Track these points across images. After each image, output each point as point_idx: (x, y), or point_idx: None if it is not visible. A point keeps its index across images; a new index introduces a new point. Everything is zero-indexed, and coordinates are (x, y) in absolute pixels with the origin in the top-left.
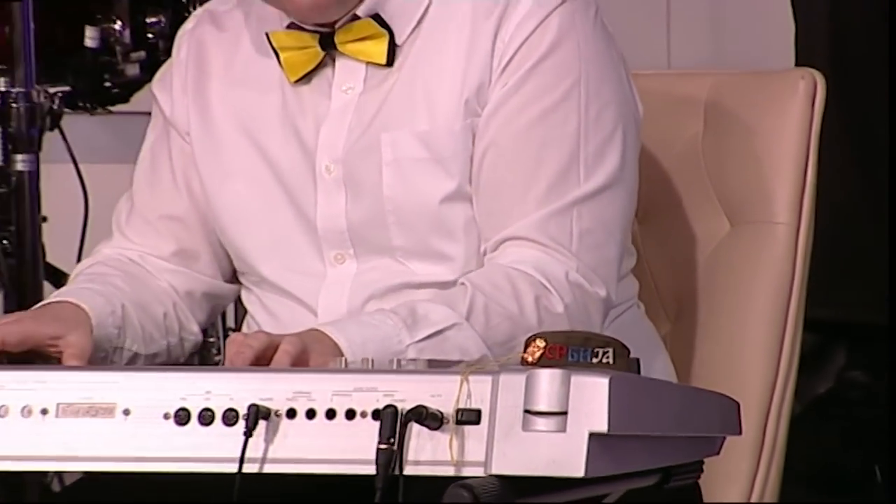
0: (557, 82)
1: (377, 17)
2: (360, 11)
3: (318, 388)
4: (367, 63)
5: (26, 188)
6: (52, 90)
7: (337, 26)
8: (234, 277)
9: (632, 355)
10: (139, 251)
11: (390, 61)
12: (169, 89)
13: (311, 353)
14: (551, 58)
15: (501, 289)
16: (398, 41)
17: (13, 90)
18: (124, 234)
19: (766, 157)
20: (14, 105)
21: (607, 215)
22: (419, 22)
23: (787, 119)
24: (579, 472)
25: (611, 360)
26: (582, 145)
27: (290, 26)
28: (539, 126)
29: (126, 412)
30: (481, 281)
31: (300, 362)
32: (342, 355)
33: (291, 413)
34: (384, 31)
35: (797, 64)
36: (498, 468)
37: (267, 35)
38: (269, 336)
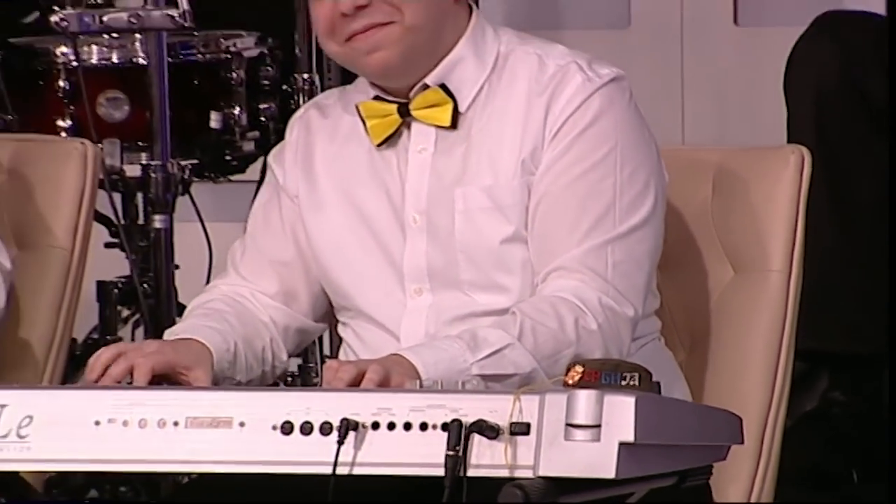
0: (597, 147)
1: (444, 87)
2: (429, 80)
3: (398, 404)
4: (436, 127)
5: (162, 242)
6: (183, 163)
7: (411, 96)
8: (322, 317)
9: (654, 379)
10: (250, 289)
11: (454, 124)
12: (282, 163)
13: (392, 375)
14: (593, 128)
15: (546, 313)
16: (461, 108)
17: (152, 163)
18: (238, 271)
19: (764, 217)
20: (153, 175)
21: (636, 252)
22: (478, 92)
23: (781, 186)
24: (610, 474)
25: (637, 383)
26: (617, 197)
27: (376, 98)
28: (582, 181)
29: (241, 424)
30: (529, 308)
31: (384, 383)
32: (418, 374)
33: (375, 425)
34: (449, 98)
35: (789, 141)
36: (544, 471)
37: (356, 106)
38: (358, 366)
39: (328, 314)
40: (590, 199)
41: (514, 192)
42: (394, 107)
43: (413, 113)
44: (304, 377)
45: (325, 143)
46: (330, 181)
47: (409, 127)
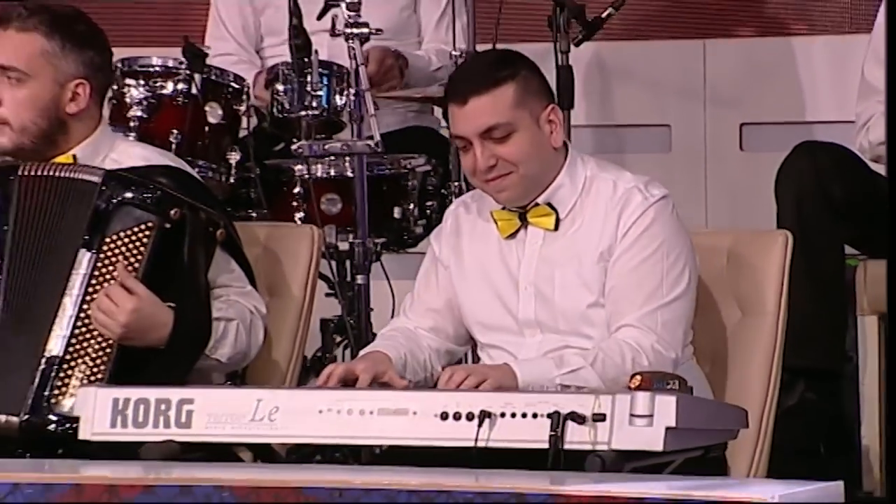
0: (650, 244)
1: (549, 204)
2: (540, 200)
3: (518, 400)
4: (544, 229)
5: (363, 293)
6: (376, 240)
7: (527, 209)
8: (464, 343)
9: (688, 384)
10: (414, 325)
11: (556, 227)
12: (439, 242)
13: (489, 377)
14: (647, 231)
15: (613, 350)
16: (561, 217)
17: (356, 241)
18: (407, 314)
19: (761, 278)
20: (356, 248)
21: (677, 313)
22: (573, 207)
23: (773, 258)
24: (659, 448)
25: (677, 387)
26: (664, 277)
27: (504, 208)
28: (641, 267)
29: (414, 413)
30: (604, 345)
31: (501, 387)
32: (517, 378)
33: (502, 414)
34: (553, 211)
35: (778, 227)
36: (615, 446)
37: (491, 213)
38: (466, 370)
39: (469, 340)
40: (646, 279)
41: (595, 274)
42: (516, 215)
43: (529, 220)
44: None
45: (469, 231)
46: (472, 258)
47: (525, 228)
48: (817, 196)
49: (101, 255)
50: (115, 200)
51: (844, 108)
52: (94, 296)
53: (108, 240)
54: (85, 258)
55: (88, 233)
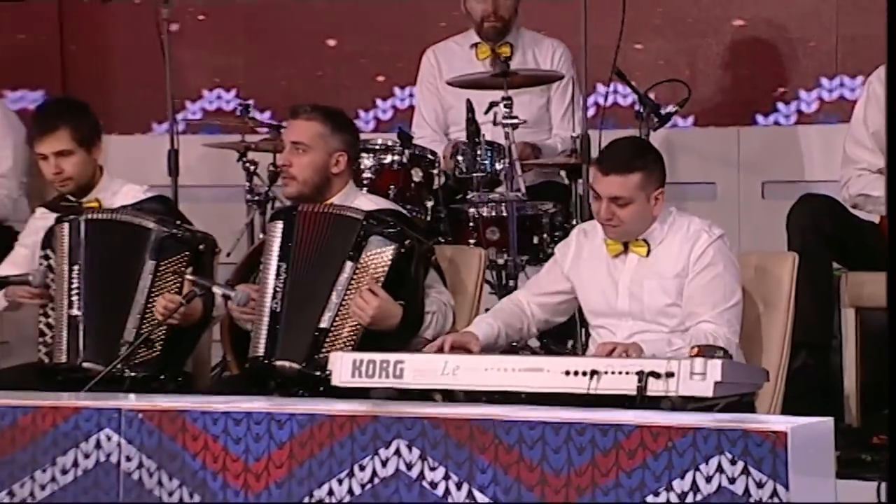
0: (716, 268)
1: (645, 240)
2: (639, 237)
3: (616, 364)
4: (639, 255)
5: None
6: (521, 258)
7: (630, 242)
8: (560, 318)
9: (728, 353)
10: (526, 300)
11: (647, 255)
12: (563, 253)
13: (629, 350)
14: (713, 259)
15: (701, 336)
16: (652, 248)
17: (508, 258)
18: (524, 291)
19: (777, 284)
20: (508, 262)
21: (736, 314)
22: (661, 242)
23: (786, 270)
24: (710, 395)
25: (721, 356)
26: (726, 289)
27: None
28: (710, 283)
29: (547, 370)
30: (693, 332)
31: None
32: (642, 351)
33: (606, 372)
34: (646, 244)
35: (788, 250)
36: (681, 393)
37: (604, 240)
38: (614, 344)
39: (565, 314)
40: (715, 291)
41: (671, 285)
42: (621, 245)
43: (630, 248)
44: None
45: (587, 248)
46: (588, 267)
47: (626, 252)
48: (814, 230)
49: (359, 266)
50: (370, 231)
51: (832, 172)
52: (351, 293)
53: (363, 257)
54: (348, 267)
55: (352, 251)
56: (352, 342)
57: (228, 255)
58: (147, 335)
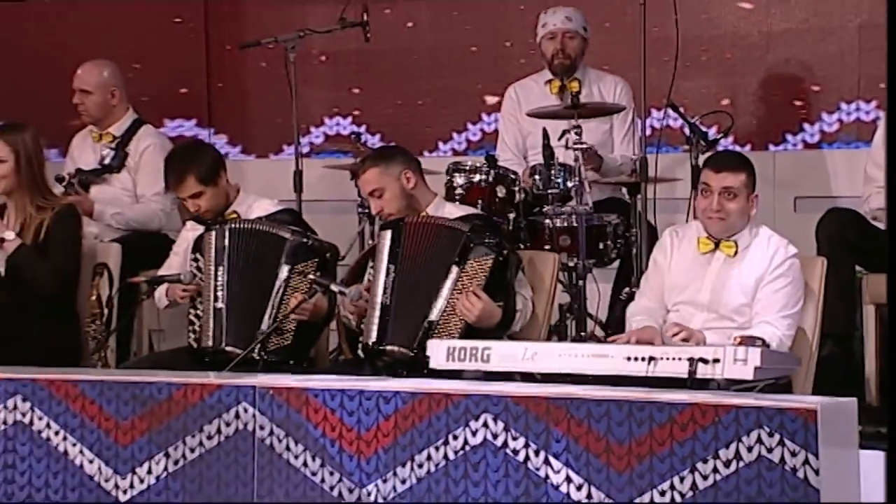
0: (786, 280)
1: (735, 241)
2: (731, 238)
3: (671, 351)
4: (727, 255)
5: (585, 291)
6: (588, 261)
7: (720, 240)
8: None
9: (766, 343)
10: (650, 303)
11: (734, 255)
12: (662, 251)
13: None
14: (785, 273)
15: (761, 332)
16: (739, 250)
17: (577, 262)
18: (643, 298)
19: (810, 283)
20: (578, 266)
21: (794, 321)
22: (746, 247)
23: (816, 273)
24: (750, 378)
25: (761, 345)
26: (790, 299)
27: (708, 236)
28: (779, 292)
29: (611, 357)
30: (753, 331)
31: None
32: (704, 342)
33: (662, 358)
34: (735, 245)
35: (818, 255)
36: (726, 376)
37: (698, 238)
38: (688, 330)
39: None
40: (781, 299)
41: (749, 288)
42: (713, 242)
43: (721, 247)
44: None
45: (676, 246)
46: (676, 261)
47: (715, 251)
48: (840, 238)
49: (464, 270)
50: (473, 241)
51: (854, 188)
52: (457, 292)
53: (467, 263)
54: (454, 270)
55: (457, 257)
56: (456, 333)
57: (343, 258)
58: (279, 326)
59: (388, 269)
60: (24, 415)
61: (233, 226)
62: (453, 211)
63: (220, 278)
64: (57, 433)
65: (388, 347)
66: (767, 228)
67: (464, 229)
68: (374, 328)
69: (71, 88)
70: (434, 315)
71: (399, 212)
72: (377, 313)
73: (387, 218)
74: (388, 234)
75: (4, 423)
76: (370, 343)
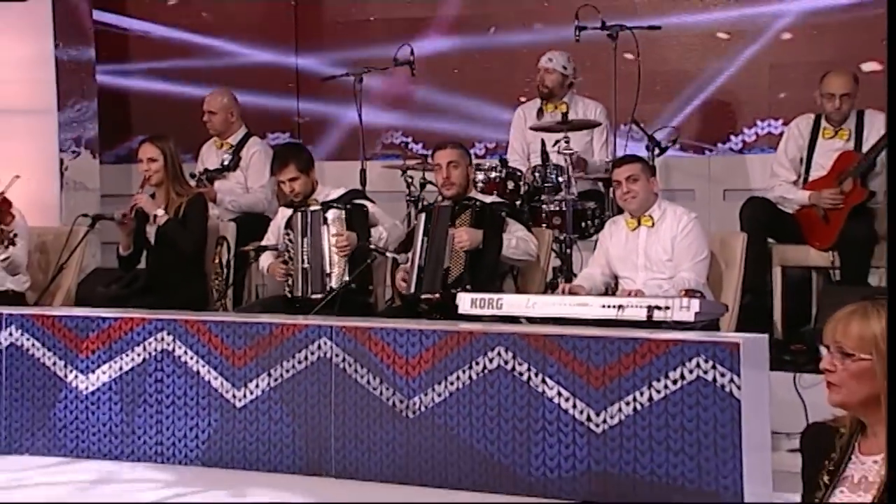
0: (694, 237)
1: (650, 216)
2: (646, 213)
3: (634, 301)
4: (647, 227)
5: (571, 257)
6: (572, 235)
7: (640, 218)
8: (611, 278)
9: (703, 295)
10: (594, 271)
11: (653, 226)
12: (603, 235)
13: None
14: (692, 231)
15: (682, 282)
16: (655, 221)
17: (565, 236)
18: (590, 266)
19: (733, 252)
20: (565, 239)
21: (705, 266)
22: (659, 218)
23: (738, 244)
24: (691, 319)
25: (699, 296)
26: (698, 251)
27: (632, 217)
28: (690, 246)
29: (589, 305)
30: (676, 280)
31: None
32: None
33: (629, 306)
34: (651, 219)
35: (741, 230)
36: (675, 318)
37: (625, 220)
38: (632, 290)
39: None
40: (692, 251)
41: (668, 246)
42: (636, 220)
43: (641, 222)
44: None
45: (616, 229)
46: (615, 240)
47: (638, 227)
48: (756, 219)
49: (454, 227)
50: (461, 210)
51: (767, 183)
52: (454, 242)
53: (456, 223)
54: (450, 232)
55: (450, 222)
56: (461, 264)
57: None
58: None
59: (423, 241)
60: (168, 345)
61: (312, 209)
62: (484, 198)
63: (304, 247)
64: (192, 358)
65: (424, 295)
66: (668, 202)
67: (449, 205)
68: (414, 282)
69: (201, 110)
70: (445, 262)
71: (459, 187)
72: (416, 272)
73: (448, 188)
74: (423, 216)
75: (155, 350)
76: (411, 293)
